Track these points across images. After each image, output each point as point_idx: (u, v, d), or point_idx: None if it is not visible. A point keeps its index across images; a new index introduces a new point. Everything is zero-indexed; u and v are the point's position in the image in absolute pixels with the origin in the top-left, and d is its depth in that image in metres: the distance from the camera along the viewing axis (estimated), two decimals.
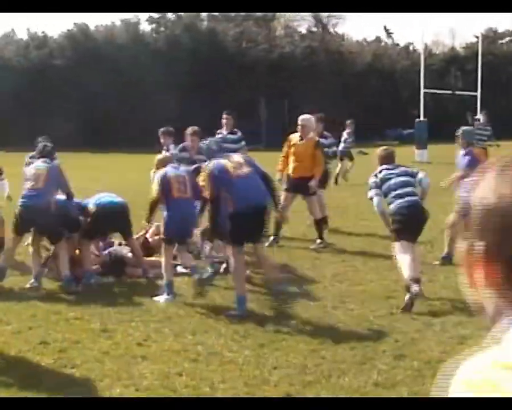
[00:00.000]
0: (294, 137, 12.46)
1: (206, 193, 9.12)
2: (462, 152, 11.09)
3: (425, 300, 8.72)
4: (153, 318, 8.38)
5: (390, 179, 9.04)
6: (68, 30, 54.87)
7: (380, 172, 9.19)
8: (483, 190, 1.31)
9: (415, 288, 8.30)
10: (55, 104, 46.39)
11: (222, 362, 6.85)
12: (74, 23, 54.76)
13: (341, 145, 22.59)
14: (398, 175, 9.08)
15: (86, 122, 46.04)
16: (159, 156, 10.92)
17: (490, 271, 1.30)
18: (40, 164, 10.25)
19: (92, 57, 49.99)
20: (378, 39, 67.07)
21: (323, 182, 13.12)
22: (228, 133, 12.89)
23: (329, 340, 7.47)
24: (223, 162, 8.84)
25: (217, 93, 47.38)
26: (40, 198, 9.84)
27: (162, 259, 9.51)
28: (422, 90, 35.60)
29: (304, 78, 49.68)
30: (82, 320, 8.34)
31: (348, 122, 24.25)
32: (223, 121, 13.11)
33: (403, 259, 8.63)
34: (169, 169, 9.77)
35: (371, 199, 9.25)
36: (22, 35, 57.71)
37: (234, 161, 8.88)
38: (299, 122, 12.36)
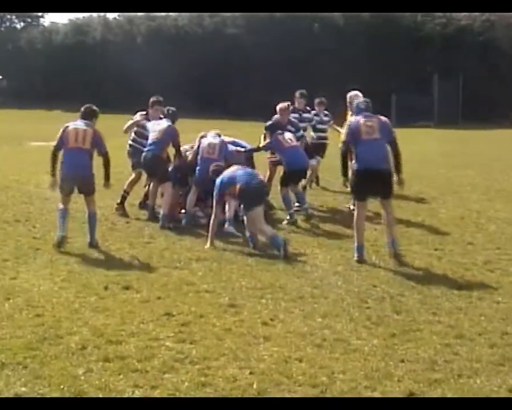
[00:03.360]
0: None
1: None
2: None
3: None
4: (285, 296, 8.07)
5: None
6: None
7: None
8: None
9: None
10: (226, 71, 47.01)
11: (347, 350, 6.44)
12: None
13: None
14: None
15: (251, 91, 46.24)
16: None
17: None
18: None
19: (263, 27, 50.01)
20: None
21: None
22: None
23: (466, 334, 6.90)
24: (360, 122, 9.86)
25: (391, 68, 46.29)
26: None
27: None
28: None
29: (481, 54, 47.58)
30: (213, 293, 8.13)
31: None
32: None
33: None
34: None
35: None
36: None
37: (368, 124, 9.82)
38: None
